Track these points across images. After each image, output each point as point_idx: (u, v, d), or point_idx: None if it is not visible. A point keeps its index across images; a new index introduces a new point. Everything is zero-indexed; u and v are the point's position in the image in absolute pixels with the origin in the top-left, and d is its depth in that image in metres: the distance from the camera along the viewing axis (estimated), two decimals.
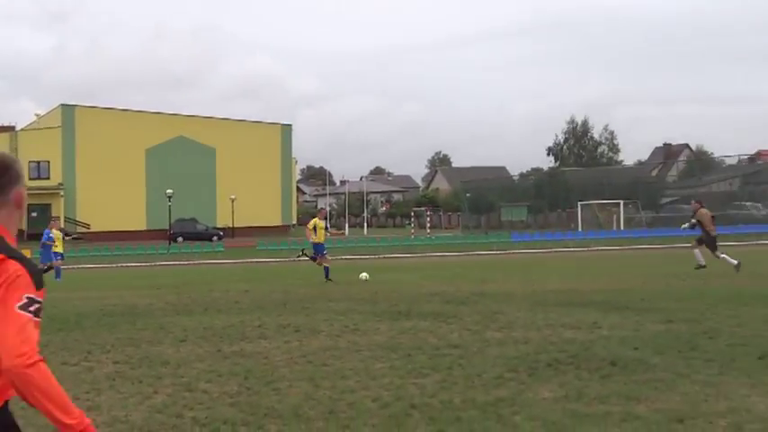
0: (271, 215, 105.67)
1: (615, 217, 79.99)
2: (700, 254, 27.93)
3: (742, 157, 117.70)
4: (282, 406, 9.70)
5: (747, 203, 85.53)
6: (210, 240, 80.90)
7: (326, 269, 29.50)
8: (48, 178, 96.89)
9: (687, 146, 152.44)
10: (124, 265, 53.23)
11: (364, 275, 29.00)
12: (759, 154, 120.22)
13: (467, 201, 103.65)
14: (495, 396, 9.87)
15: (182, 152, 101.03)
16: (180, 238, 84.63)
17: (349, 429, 8.65)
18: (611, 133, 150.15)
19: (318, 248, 30.20)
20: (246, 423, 9.00)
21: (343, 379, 11.21)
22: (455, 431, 8.48)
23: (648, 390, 9.92)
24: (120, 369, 12.52)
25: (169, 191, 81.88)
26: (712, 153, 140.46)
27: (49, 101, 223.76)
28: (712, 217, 28.74)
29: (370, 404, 9.68)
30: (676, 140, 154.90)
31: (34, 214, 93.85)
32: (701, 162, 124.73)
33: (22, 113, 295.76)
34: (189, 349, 14.27)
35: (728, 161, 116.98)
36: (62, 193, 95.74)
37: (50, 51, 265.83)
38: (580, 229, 74.65)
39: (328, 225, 32.72)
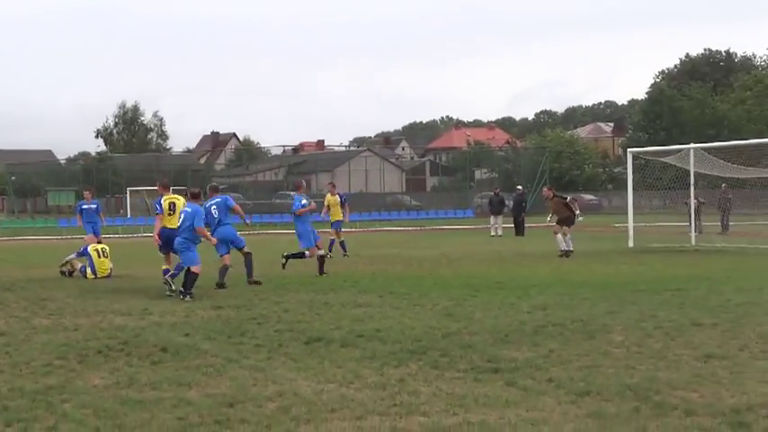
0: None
1: None
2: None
3: (287, 147, 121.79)
4: None
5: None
6: None
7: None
8: None
9: (234, 135, 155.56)
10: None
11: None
12: (302, 146, 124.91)
13: (12, 184, 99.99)
14: (44, 384, 9.69)
15: None
16: None
17: None
18: (161, 120, 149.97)
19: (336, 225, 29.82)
20: None
21: None
22: (2, 420, 8.22)
23: (199, 375, 10.09)
24: None
25: None
26: (259, 143, 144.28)
27: None
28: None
29: None
30: (224, 130, 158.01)
31: None
32: (248, 151, 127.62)
33: None
34: None
35: (274, 151, 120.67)
36: None
37: None
38: (129, 216, 74.11)
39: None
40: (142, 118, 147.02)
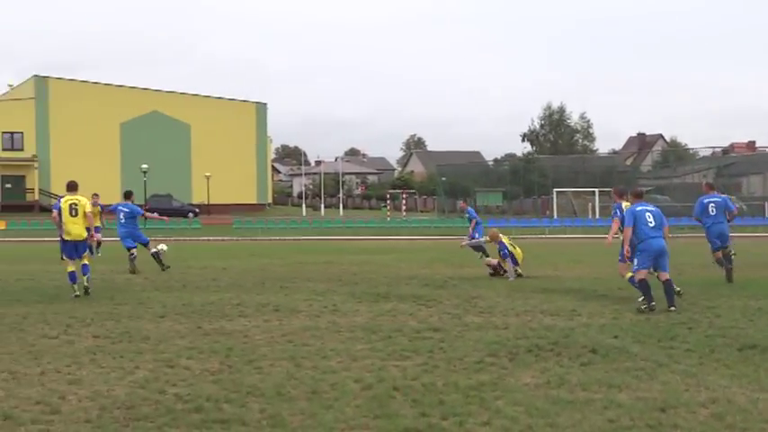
0: (246, 193, 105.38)
1: (590, 205, 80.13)
2: None
3: (715, 149, 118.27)
4: (265, 384, 9.72)
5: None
6: (186, 217, 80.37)
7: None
8: (21, 150, 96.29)
9: (661, 136, 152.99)
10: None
11: (162, 247, 26.71)
12: (732, 147, 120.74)
13: (442, 185, 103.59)
14: (477, 380, 9.91)
15: (156, 127, 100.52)
16: (155, 214, 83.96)
17: (332, 409, 8.66)
18: (588, 122, 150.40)
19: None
20: (229, 400, 9.01)
21: (324, 359, 11.24)
22: (438, 414, 8.49)
23: (629, 378, 9.98)
24: (100, 343, 12.51)
25: (144, 166, 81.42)
26: (686, 144, 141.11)
27: (27, 74, 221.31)
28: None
29: (352, 385, 9.71)
30: (651, 131, 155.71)
31: (8, 186, 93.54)
32: (675, 153, 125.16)
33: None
34: (169, 325, 14.27)
35: (702, 153, 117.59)
36: (36, 165, 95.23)
37: (29, 23, 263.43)
38: (555, 217, 74.88)
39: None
40: (568, 120, 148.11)
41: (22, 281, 21.58)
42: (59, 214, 19.58)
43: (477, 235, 27.66)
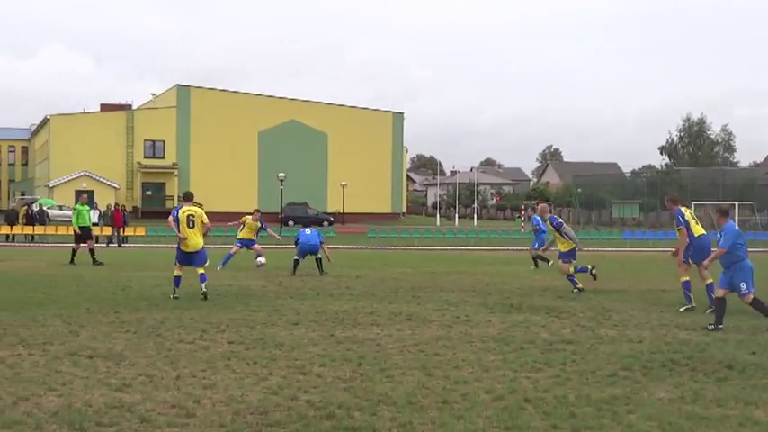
0: (381, 203, 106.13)
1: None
2: None
3: None
4: (396, 393, 9.76)
5: None
6: (321, 225, 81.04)
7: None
8: (162, 158, 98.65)
9: None
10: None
11: (261, 260, 27.46)
12: None
13: (578, 196, 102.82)
14: (609, 394, 9.81)
15: (294, 136, 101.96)
16: (291, 222, 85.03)
17: (463, 420, 8.66)
18: (729, 134, 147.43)
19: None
20: (360, 408, 9.08)
21: (455, 369, 11.24)
22: (569, 427, 8.44)
23: (766, 395, 9.77)
24: (234, 349, 12.71)
25: (281, 174, 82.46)
26: None
27: (170, 84, 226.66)
28: None
29: (483, 396, 9.69)
30: None
31: (149, 193, 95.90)
32: None
33: (140, 94, 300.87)
34: (302, 332, 14.43)
35: None
36: (176, 173, 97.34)
37: (174, 34, 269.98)
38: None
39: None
40: (708, 132, 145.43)
41: (159, 286, 22.02)
42: (176, 223, 19.95)
43: (536, 244, 27.99)
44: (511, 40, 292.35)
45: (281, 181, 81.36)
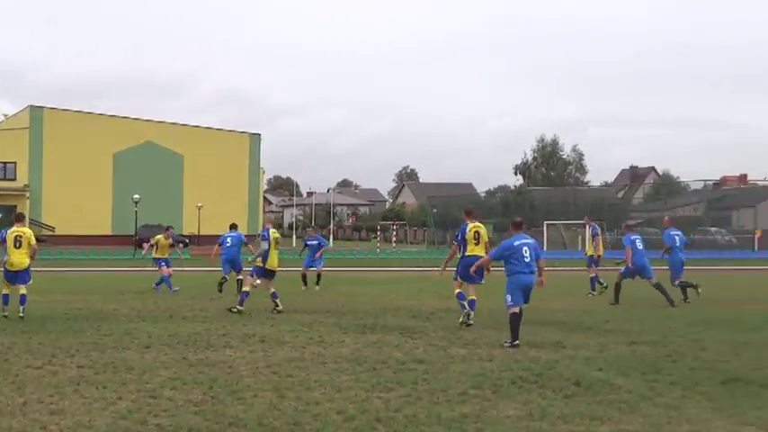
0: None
1: (580, 237, 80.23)
2: None
3: (707, 182, 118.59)
4: (247, 415, 9.72)
5: (712, 229, 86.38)
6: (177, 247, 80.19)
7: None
8: (14, 179, 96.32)
9: (653, 169, 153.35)
10: (89, 269, 52.80)
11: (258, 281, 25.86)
12: (724, 180, 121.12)
13: (432, 216, 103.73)
14: (459, 412, 9.93)
15: (150, 158, 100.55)
16: (145, 244, 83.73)
17: None
18: (581, 154, 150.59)
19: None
20: (211, 431, 9.01)
21: (308, 390, 11.25)
22: None
23: (612, 411, 10.02)
24: (84, 374, 12.49)
25: (136, 196, 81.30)
26: (678, 177, 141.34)
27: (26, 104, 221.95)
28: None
29: (335, 416, 9.72)
30: (642, 163, 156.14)
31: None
32: (666, 186, 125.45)
33: None
34: (154, 356, 14.26)
35: (693, 186, 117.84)
36: (28, 195, 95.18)
37: (34, 55, 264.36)
38: (545, 249, 74.92)
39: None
40: (561, 152, 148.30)
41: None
42: (3, 244, 20.50)
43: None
44: (366, 64, 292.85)
45: (136, 203, 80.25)
